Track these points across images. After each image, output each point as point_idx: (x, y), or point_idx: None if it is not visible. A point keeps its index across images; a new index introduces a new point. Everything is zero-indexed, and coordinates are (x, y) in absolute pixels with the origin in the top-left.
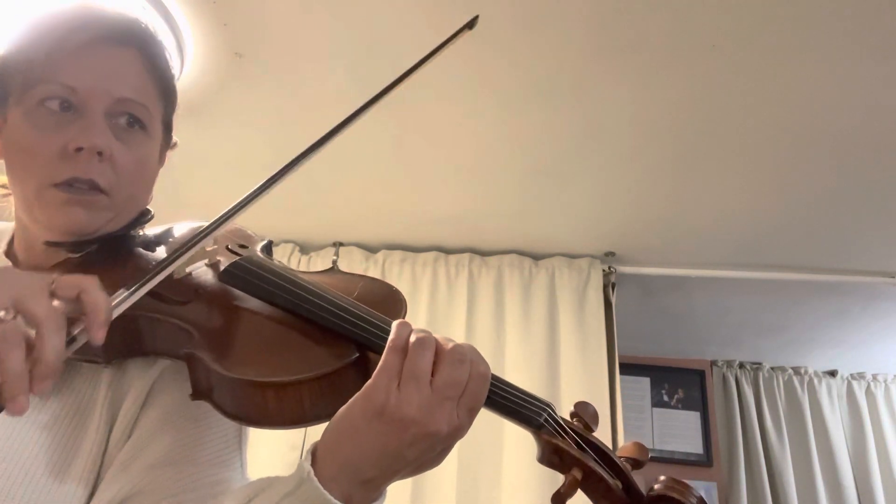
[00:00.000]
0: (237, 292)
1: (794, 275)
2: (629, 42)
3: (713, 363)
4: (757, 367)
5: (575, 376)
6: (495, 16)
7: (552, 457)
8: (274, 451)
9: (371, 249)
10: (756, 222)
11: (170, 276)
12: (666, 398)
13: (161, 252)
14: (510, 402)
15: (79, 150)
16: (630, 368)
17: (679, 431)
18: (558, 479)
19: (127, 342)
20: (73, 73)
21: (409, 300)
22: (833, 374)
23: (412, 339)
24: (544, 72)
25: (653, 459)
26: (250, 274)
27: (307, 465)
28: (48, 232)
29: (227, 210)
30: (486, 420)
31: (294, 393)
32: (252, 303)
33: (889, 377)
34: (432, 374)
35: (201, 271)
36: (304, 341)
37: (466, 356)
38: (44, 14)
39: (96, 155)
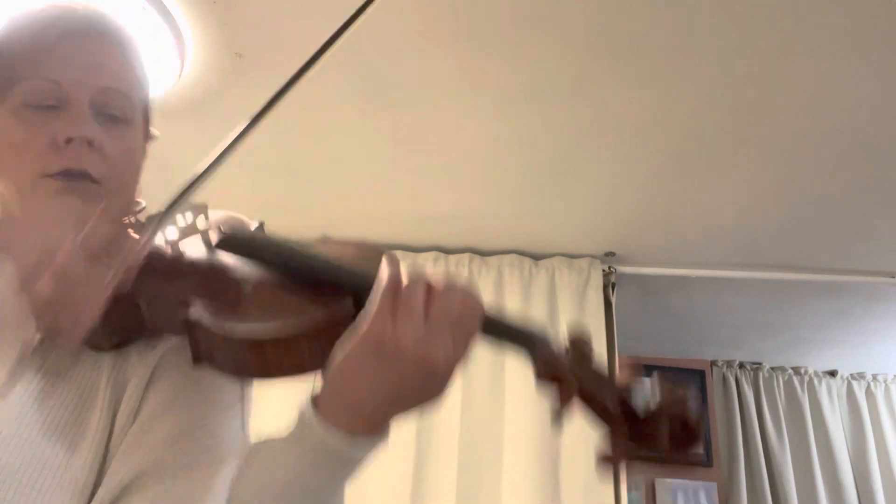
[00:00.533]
0: (231, 263)
1: (794, 275)
2: (629, 42)
3: (713, 363)
4: (757, 367)
5: None
6: (495, 15)
7: (550, 381)
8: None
9: None
10: (756, 222)
11: (164, 253)
12: None
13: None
14: (504, 330)
15: (69, 140)
16: None
17: None
18: (558, 477)
19: (128, 322)
20: (55, 66)
21: None
22: (833, 374)
23: (406, 277)
24: (544, 72)
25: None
26: (244, 239)
27: (308, 409)
28: None
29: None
30: (487, 420)
31: (293, 347)
32: (246, 271)
33: (889, 377)
34: (426, 309)
35: (195, 247)
36: (300, 299)
37: (460, 289)
38: (19, 14)
39: (86, 145)
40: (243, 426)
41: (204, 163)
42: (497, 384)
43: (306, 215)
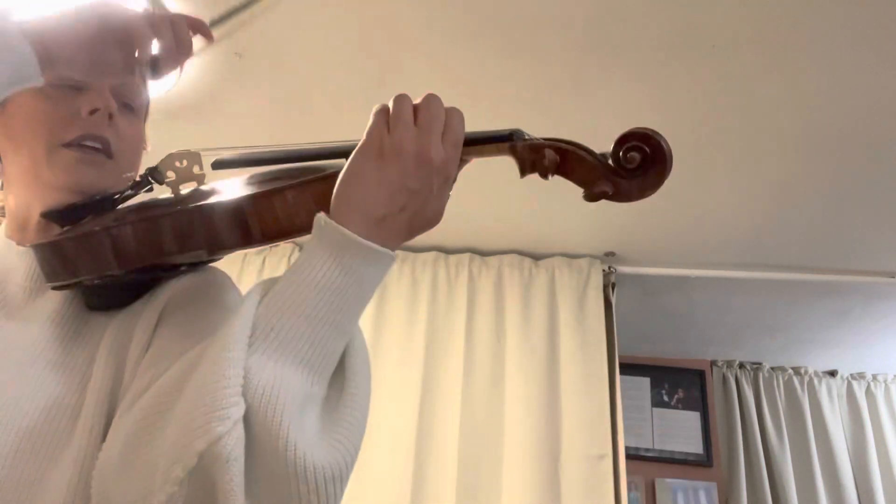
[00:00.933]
0: (232, 182)
1: (794, 275)
2: (629, 42)
3: (713, 363)
4: (757, 367)
5: (575, 376)
6: (495, 16)
7: (530, 156)
8: None
9: None
10: (756, 222)
11: (166, 197)
12: (666, 398)
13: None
14: (484, 133)
15: (93, 111)
16: (630, 368)
17: (679, 431)
18: (557, 475)
19: (143, 245)
20: (83, 64)
21: (410, 300)
22: (833, 374)
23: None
24: (543, 71)
25: (653, 459)
26: (240, 155)
27: (321, 216)
28: (50, 196)
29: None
30: (487, 420)
31: (301, 197)
32: (248, 179)
33: (889, 377)
34: (415, 119)
35: (192, 188)
36: (301, 175)
37: (440, 100)
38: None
39: (108, 117)
40: None
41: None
42: (497, 384)
43: None
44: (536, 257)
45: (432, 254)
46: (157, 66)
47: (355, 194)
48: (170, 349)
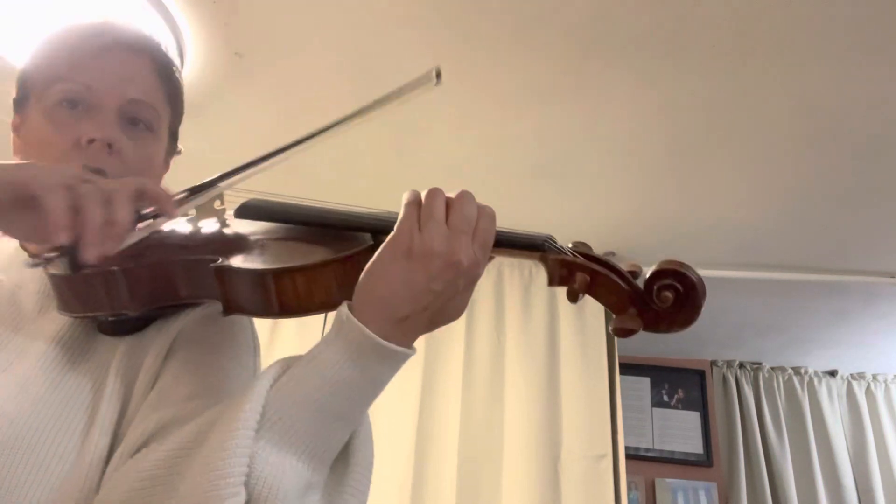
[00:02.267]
0: (253, 228)
1: (794, 275)
2: (629, 41)
3: (713, 363)
4: (757, 367)
5: (575, 376)
6: (495, 16)
7: (560, 271)
8: None
9: None
10: (756, 222)
11: (185, 233)
12: (666, 398)
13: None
14: (515, 237)
15: (91, 141)
16: (630, 368)
17: (679, 431)
18: (557, 475)
19: (159, 288)
20: (91, 73)
21: None
22: (833, 374)
23: (424, 192)
24: (543, 71)
25: (653, 459)
26: (265, 203)
27: (344, 310)
28: None
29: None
30: (487, 419)
31: (323, 276)
32: (268, 231)
33: (889, 377)
34: (447, 217)
35: (212, 226)
36: (324, 241)
37: (473, 198)
38: (65, 25)
39: (107, 147)
40: None
41: (199, 153)
42: (497, 384)
43: None
44: None
45: None
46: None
47: (380, 292)
48: (175, 391)
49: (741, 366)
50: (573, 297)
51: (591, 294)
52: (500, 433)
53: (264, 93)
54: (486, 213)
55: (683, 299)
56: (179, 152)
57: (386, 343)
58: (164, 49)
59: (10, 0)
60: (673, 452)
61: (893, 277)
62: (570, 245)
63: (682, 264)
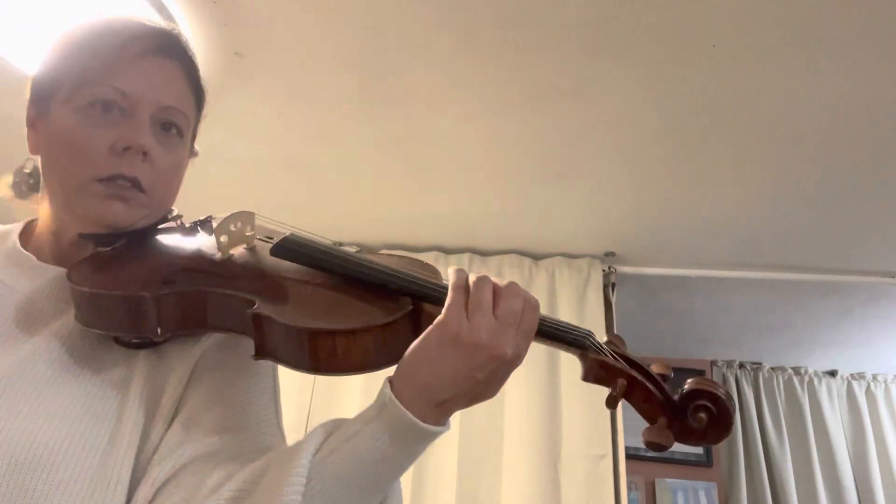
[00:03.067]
0: (285, 266)
1: (794, 275)
2: (628, 41)
3: (713, 363)
4: (757, 367)
5: (575, 376)
6: (495, 16)
7: (599, 372)
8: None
9: (371, 250)
10: (756, 222)
11: (215, 259)
12: None
13: (184, 242)
14: (558, 330)
15: (126, 149)
16: None
17: None
18: (557, 475)
19: (187, 316)
20: (126, 79)
21: None
22: (833, 374)
23: (472, 278)
24: (543, 71)
25: (653, 459)
26: (302, 246)
27: (388, 391)
28: (82, 224)
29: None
30: (487, 419)
31: (361, 341)
32: (302, 274)
33: (889, 377)
34: (494, 307)
35: (243, 254)
36: (361, 298)
37: (521, 290)
38: (97, 24)
39: (141, 155)
40: (276, 413)
41: (201, 153)
42: None
43: (307, 216)
44: (536, 257)
45: (432, 254)
46: None
47: (423, 375)
48: (200, 423)
49: (741, 366)
50: (612, 403)
51: (627, 399)
52: (500, 433)
53: (264, 93)
54: (531, 305)
55: (716, 421)
56: (196, 154)
57: (426, 426)
58: (188, 45)
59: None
60: (673, 452)
61: (894, 277)
62: (604, 340)
63: (715, 385)
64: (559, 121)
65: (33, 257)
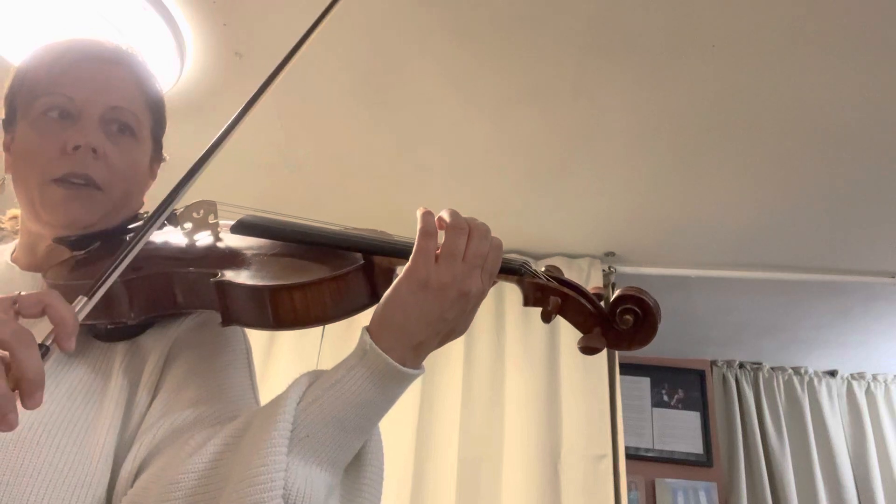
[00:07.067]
0: (247, 243)
1: (794, 275)
2: (628, 41)
3: (713, 363)
4: (757, 367)
5: (575, 376)
6: (495, 16)
7: (535, 293)
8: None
9: None
10: (756, 222)
11: (182, 246)
12: (666, 398)
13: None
14: (506, 264)
15: (76, 147)
16: (630, 368)
17: (679, 431)
18: (557, 475)
19: (157, 298)
20: (71, 84)
21: None
22: (833, 374)
23: (446, 218)
24: (543, 71)
25: (653, 459)
26: (259, 219)
27: (368, 339)
28: (51, 230)
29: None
30: (487, 419)
31: (318, 293)
32: (262, 246)
33: (889, 377)
34: (465, 253)
35: (206, 238)
36: (316, 259)
37: (487, 232)
38: (44, 43)
39: (91, 152)
40: (252, 386)
41: (201, 153)
42: (497, 384)
43: (307, 216)
44: (536, 257)
45: None
46: None
47: (398, 320)
48: (180, 397)
49: (741, 366)
50: (546, 318)
51: (561, 314)
52: (500, 433)
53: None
54: (495, 246)
55: (642, 321)
56: (165, 160)
57: (405, 369)
58: (142, 60)
59: (11, 1)
60: (673, 452)
61: (893, 277)
62: (542, 269)
63: (640, 290)
64: (559, 121)
65: (17, 267)
